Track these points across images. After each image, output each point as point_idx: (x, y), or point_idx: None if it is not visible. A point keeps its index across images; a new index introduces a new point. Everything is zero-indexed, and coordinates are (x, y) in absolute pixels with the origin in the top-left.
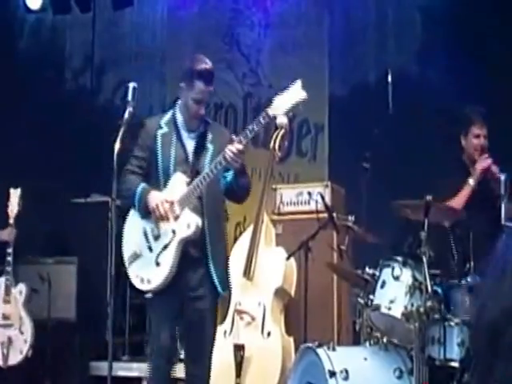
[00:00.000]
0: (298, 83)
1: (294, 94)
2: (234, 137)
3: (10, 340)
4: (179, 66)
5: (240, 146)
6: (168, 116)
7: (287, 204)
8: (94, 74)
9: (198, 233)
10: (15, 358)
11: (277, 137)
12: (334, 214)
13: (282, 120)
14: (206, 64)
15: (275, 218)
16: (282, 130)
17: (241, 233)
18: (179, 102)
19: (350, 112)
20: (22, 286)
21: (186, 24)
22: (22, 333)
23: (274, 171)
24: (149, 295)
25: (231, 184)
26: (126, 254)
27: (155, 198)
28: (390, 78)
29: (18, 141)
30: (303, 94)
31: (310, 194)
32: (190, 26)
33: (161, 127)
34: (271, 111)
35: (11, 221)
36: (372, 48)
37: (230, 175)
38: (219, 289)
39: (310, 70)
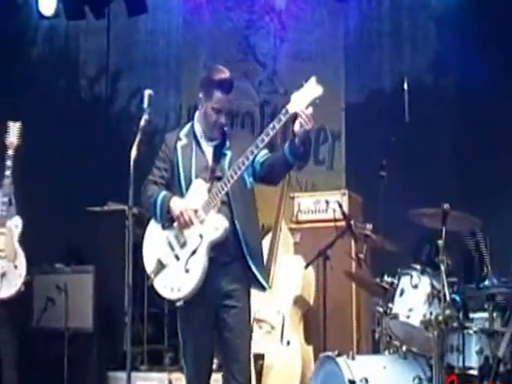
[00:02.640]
0: (313, 79)
1: (311, 89)
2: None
3: (3, 272)
4: (195, 74)
5: (311, 111)
6: (187, 128)
7: (305, 212)
8: (108, 81)
9: (226, 235)
10: (8, 291)
11: None
12: (352, 223)
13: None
14: (225, 73)
15: (293, 226)
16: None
17: None
18: (198, 112)
19: (367, 120)
20: (17, 219)
21: (202, 31)
22: (15, 266)
23: (291, 179)
24: (180, 303)
25: (285, 158)
26: (149, 266)
27: (178, 205)
28: (405, 86)
29: (33, 149)
30: (320, 88)
31: (327, 202)
32: (205, 34)
33: (180, 139)
34: (291, 108)
35: (10, 152)
36: (388, 56)
37: (264, 156)
38: (265, 285)
39: (325, 78)
